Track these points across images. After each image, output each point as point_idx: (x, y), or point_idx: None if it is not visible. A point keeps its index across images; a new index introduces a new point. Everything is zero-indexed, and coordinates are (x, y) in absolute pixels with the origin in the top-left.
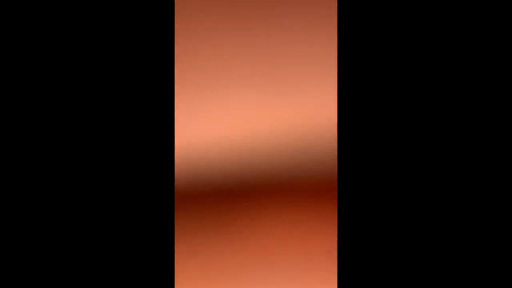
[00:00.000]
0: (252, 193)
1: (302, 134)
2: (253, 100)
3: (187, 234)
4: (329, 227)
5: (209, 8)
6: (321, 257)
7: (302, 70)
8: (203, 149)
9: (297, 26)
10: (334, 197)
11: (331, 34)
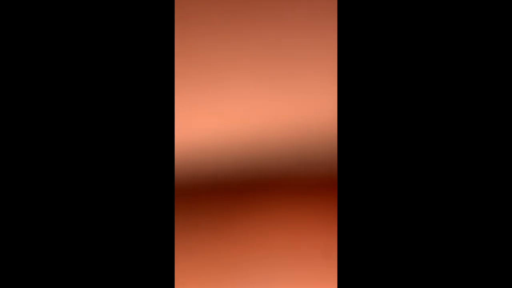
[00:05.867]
0: (252, 192)
1: (302, 132)
2: (253, 99)
3: (187, 234)
4: (329, 226)
5: (209, 7)
6: (321, 257)
7: (302, 68)
8: (203, 148)
9: (297, 25)
10: (334, 196)
11: (331, 34)
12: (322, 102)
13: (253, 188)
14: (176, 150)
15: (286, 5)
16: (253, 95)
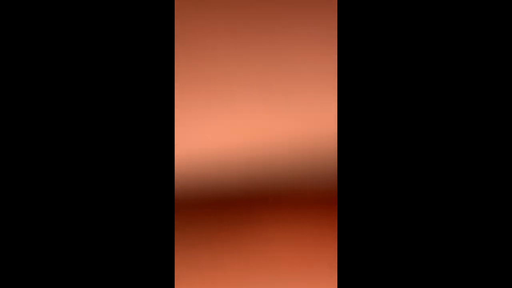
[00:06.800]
0: (253, 201)
1: (303, 142)
2: (253, 106)
3: (186, 242)
4: (329, 236)
5: (209, 10)
6: (321, 266)
7: (303, 74)
8: (203, 157)
9: (297, 28)
10: (334, 206)
11: (331, 36)
12: (322, 112)
13: (253, 198)
14: (176, 159)
15: (286, 10)
16: (253, 103)
